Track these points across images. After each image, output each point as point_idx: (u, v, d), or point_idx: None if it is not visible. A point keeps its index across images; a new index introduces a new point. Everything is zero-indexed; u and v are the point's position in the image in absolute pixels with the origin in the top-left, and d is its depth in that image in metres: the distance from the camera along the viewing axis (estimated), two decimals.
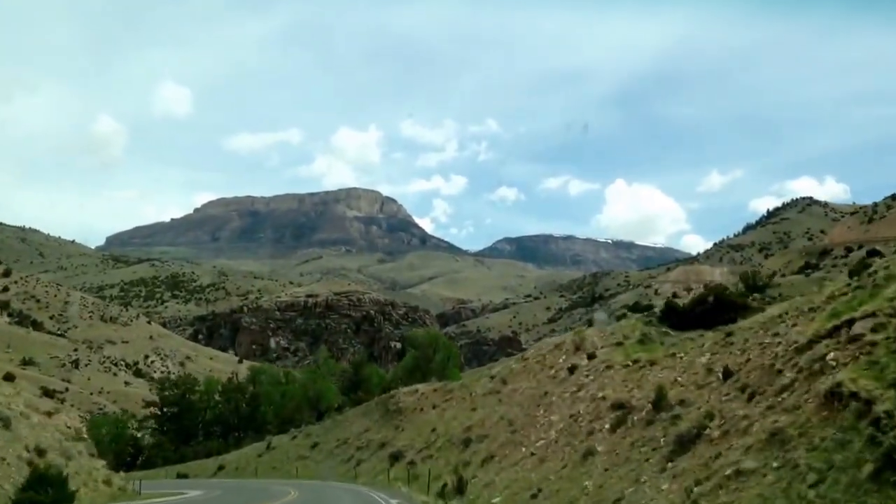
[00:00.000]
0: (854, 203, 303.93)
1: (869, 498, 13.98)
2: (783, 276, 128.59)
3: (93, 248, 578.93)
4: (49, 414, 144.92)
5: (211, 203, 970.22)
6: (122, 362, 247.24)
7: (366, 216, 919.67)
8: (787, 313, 30.37)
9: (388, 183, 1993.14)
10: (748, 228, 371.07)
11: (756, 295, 50.83)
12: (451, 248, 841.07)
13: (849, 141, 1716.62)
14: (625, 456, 27.89)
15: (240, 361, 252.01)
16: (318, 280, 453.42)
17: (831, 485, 15.23)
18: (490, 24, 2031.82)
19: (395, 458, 54.85)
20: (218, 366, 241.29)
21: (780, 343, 25.80)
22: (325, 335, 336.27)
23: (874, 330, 19.23)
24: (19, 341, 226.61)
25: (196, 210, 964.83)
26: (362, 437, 68.23)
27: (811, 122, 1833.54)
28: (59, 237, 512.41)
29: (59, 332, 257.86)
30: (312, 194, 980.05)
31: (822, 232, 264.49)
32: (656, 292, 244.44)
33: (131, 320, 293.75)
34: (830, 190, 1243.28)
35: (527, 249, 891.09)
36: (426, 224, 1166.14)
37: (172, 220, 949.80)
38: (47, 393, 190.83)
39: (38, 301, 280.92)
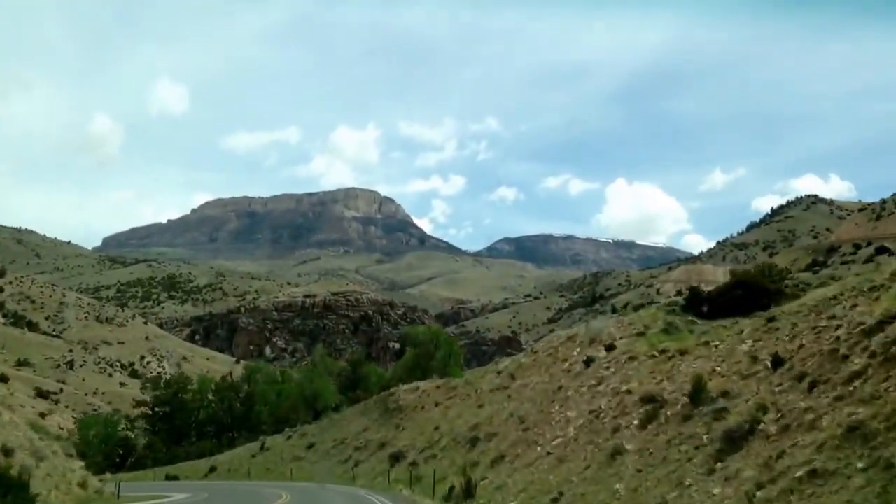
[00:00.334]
0: (860, 200, 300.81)
1: None
2: (790, 273, 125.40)
3: (89, 249, 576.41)
4: (42, 415, 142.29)
5: (208, 204, 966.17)
6: (117, 363, 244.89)
7: (364, 216, 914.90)
8: (842, 294, 27.07)
9: (387, 183, 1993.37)
10: (752, 227, 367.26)
11: (787, 282, 47.39)
12: (449, 249, 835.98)
13: (853, 138, 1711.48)
14: (661, 455, 24.49)
15: (237, 362, 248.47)
16: (316, 280, 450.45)
17: None
18: (490, 20, 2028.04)
19: (396, 458, 51.34)
20: (215, 367, 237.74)
21: (839, 326, 22.82)
22: (322, 335, 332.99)
23: None
24: (14, 342, 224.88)
25: (193, 211, 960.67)
26: (361, 437, 64.71)
27: (815, 119, 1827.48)
28: (56, 238, 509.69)
29: (54, 333, 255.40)
30: (310, 194, 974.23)
31: (827, 230, 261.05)
32: (658, 292, 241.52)
33: (127, 321, 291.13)
34: (835, 188, 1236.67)
35: (526, 249, 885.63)
36: (425, 224, 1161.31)
37: (169, 220, 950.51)
38: (41, 394, 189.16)
39: (33, 302, 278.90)
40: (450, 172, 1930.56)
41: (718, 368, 28.13)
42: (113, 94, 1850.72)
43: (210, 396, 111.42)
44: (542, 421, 37.33)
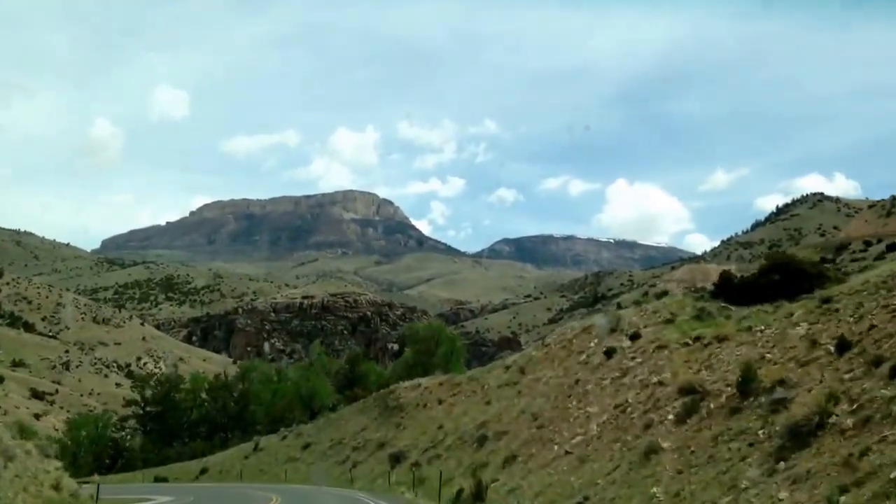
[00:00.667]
0: (867, 198, 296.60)
1: None
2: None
3: (88, 251, 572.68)
4: (37, 416, 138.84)
5: (207, 206, 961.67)
6: (114, 364, 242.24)
7: (362, 218, 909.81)
8: None
9: (386, 185, 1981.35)
10: (757, 225, 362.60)
11: (827, 265, 43.87)
12: (448, 250, 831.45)
13: (858, 136, 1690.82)
14: (705, 454, 21.29)
15: (234, 363, 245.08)
16: (314, 282, 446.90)
17: None
18: (489, 22, 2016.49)
19: (397, 459, 47.86)
20: (212, 367, 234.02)
21: None
22: (321, 337, 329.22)
23: None
24: (10, 343, 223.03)
25: (192, 213, 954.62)
26: (359, 437, 61.05)
27: (819, 117, 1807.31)
28: (54, 240, 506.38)
29: (50, 334, 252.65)
30: (308, 197, 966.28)
31: (835, 228, 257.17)
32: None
33: (124, 322, 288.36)
34: (840, 186, 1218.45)
35: (526, 250, 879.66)
36: (423, 226, 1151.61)
37: (168, 223, 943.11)
38: (37, 395, 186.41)
39: (29, 303, 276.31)
40: (448, 174, 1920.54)
41: (769, 355, 24.93)
42: (114, 98, 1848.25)
43: (203, 395, 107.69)
44: (559, 418, 34.20)
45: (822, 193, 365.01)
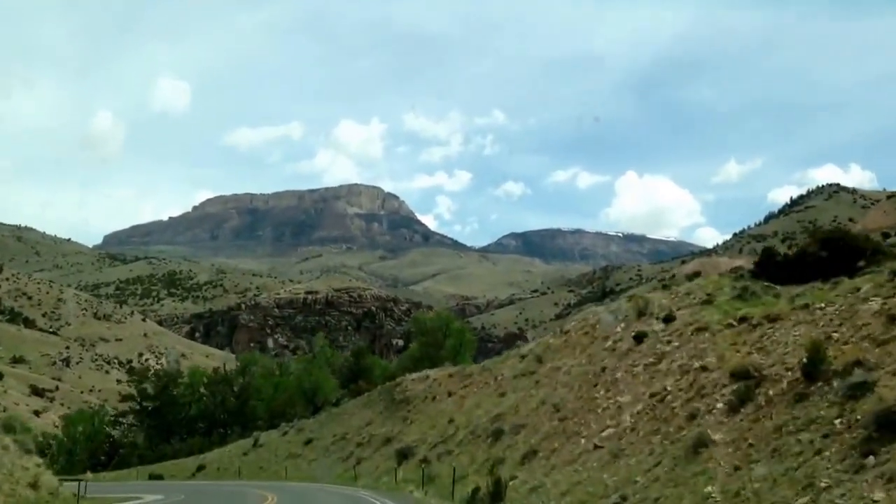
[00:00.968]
0: (885, 189, 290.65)
1: None
2: None
3: (90, 246, 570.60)
4: (37, 412, 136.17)
5: (210, 201, 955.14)
6: (115, 360, 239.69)
7: (367, 213, 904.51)
8: None
9: (391, 179, 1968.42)
10: (770, 217, 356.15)
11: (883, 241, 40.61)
12: (454, 245, 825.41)
13: (874, 126, 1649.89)
14: (769, 447, 18.23)
15: (236, 359, 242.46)
16: (318, 277, 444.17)
17: None
18: (497, 10, 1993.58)
19: (404, 455, 44.86)
20: (214, 364, 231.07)
21: None
22: (325, 332, 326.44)
23: None
24: (10, 339, 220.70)
25: (195, 208, 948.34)
26: (363, 432, 58.08)
27: (834, 107, 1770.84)
28: (55, 236, 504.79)
29: (51, 330, 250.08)
30: (312, 191, 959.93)
31: (850, 220, 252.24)
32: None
33: (125, 318, 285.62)
34: (855, 177, 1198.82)
35: (533, 244, 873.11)
36: (429, 221, 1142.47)
37: (170, 218, 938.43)
38: (36, 391, 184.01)
39: (29, 298, 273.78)
40: (455, 167, 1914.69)
41: (836, 334, 21.79)
42: (114, 91, 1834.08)
43: (202, 390, 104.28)
44: (584, 409, 31.31)
45: (838, 184, 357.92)
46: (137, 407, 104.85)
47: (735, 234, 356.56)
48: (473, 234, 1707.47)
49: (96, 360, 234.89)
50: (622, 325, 37.69)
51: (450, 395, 50.96)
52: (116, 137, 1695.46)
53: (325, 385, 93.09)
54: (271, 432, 76.77)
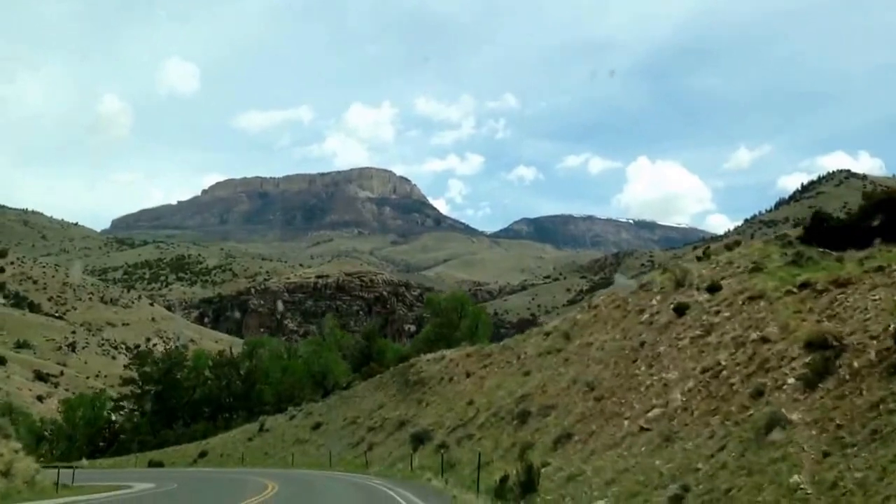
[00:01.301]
0: (894, 175, 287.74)
1: None
2: None
3: (98, 231, 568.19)
4: (40, 398, 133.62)
5: (219, 184, 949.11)
6: (122, 345, 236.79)
7: (378, 197, 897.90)
8: None
9: (402, 162, 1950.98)
10: (781, 203, 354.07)
11: None
12: (466, 230, 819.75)
13: (884, 113, 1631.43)
14: (866, 428, 15.19)
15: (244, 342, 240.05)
16: (329, 261, 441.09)
17: None
18: None
19: (420, 440, 41.81)
20: (223, 349, 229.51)
21: None
22: (336, 317, 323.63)
23: None
24: (14, 324, 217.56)
25: (204, 192, 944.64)
26: (375, 415, 55.10)
27: (844, 93, 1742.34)
28: (62, 220, 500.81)
29: (57, 315, 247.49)
30: (323, 174, 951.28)
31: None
32: None
33: (133, 302, 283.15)
34: (864, 164, 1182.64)
35: (545, 230, 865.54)
36: (441, 205, 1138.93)
37: (180, 202, 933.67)
38: (41, 376, 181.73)
39: (35, 282, 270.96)
40: (467, 151, 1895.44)
41: None
42: (122, 73, 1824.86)
43: (207, 373, 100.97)
44: (624, 387, 28.24)
45: (848, 171, 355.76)
46: (139, 391, 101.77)
47: (746, 221, 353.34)
48: (485, 218, 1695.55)
49: (103, 344, 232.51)
50: (658, 297, 34.45)
51: (468, 375, 47.93)
52: (124, 121, 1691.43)
53: (335, 368, 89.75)
54: (278, 417, 73.99)
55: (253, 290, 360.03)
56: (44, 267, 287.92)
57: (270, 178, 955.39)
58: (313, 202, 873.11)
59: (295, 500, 25.27)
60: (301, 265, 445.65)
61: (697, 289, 31.64)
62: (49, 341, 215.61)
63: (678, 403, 23.16)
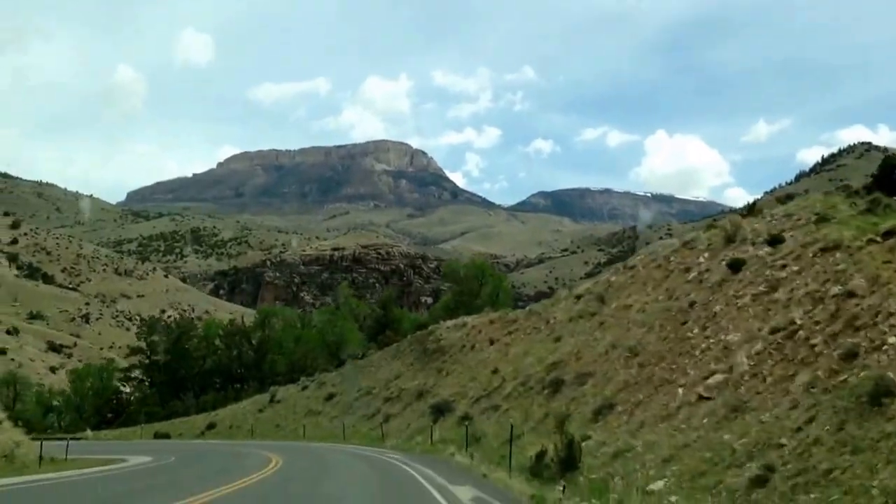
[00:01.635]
0: None
1: None
2: None
3: (113, 203, 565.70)
4: (53, 369, 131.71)
5: (235, 157, 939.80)
6: (136, 317, 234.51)
7: (395, 170, 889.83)
8: None
9: (419, 135, 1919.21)
10: (801, 176, 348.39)
11: None
12: (483, 203, 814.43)
13: None
14: None
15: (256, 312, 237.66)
16: (345, 234, 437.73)
17: None
18: None
19: (440, 411, 38.82)
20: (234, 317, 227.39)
21: None
22: (352, 290, 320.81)
23: None
24: (28, 295, 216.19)
25: (219, 164, 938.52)
26: (392, 385, 52.11)
27: (865, 65, 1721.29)
28: (77, 192, 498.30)
29: (70, 286, 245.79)
30: (339, 147, 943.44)
31: None
32: None
33: (147, 274, 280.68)
34: (884, 137, 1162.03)
35: (562, 203, 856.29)
36: (458, 178, 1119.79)
37: (195, 175, 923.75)
38: (54, 348, 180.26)
39: (48, 253, 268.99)
40: (484, 124, 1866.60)
41: None
42: (136, 44, 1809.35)
43: (217, 343, 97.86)
44: (674, 351, 25.15)
45: (869, 143, 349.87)
46: (147, 361, 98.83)
47: (766, 193, 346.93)
48: (502, 192, 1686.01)
49: (117, 316, 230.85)
50: (706, 254, 31.12)
51: (492, 342, 44.81)
52: (139, 92, 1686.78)
53: (351, 337, 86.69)
54: (290, 387, 71.11)
55: (268, 263, 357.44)
56: (57, 238, 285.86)
57: (286, 150, 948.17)
58: (329, 175, 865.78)
59: (298, 479, 22.04)
60: (317, 237, 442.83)
61: (753, 243, 28.40)
62: (62, 312, 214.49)
63: (745, 368, 19.93)
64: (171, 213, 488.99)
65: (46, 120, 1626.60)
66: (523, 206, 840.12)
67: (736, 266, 26.74)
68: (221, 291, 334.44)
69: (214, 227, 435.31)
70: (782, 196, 37.22)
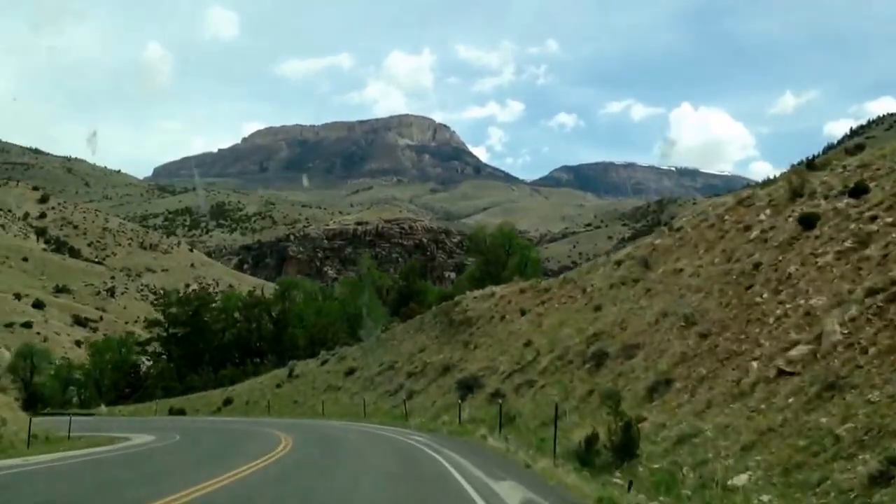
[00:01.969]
0: None
1: None
2: None
3: (140, 178, 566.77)
4: (78, 342, 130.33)
5: (259, 132, 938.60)
6: (160, 291, 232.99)
7: (418, 144, 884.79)
8: None
9: (442, 110, 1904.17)
10: (829, 149, 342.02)
11: None
12: (506, 178, 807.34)
13: None
14: None
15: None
16: (369, 208, 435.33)
17: None
18: None
19: (468, 387, 35.61)
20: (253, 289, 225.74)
21: None
22: (375, 264, 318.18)
23: None
24: (54, 268, 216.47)
25: (244, 140, 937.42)
26: (416, 359, 49.01)
27: (892, 38, 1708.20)
28: (105, 167, 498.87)
29: (96, 260, 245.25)
30: (362, 122, 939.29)
31: None
32: None
33: (172, 248, 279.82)
34: None
35: (586, 178, 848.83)
36: (481, 153, 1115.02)
37: (220, 150, 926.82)
38: (79, 321, 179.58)
39: (75, 227, 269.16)
40: (507, 98, 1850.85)
41: None
42: (164, 21, 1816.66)
43: (236, 315, 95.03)
44: (740, 319, 21.80)
45: None
46: (165, 333, 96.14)
47: (792, 166, 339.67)
48: (525, 166, 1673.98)
49: (142, 290, 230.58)
50: (767, 211, 27.61)
51: (523, 313, 41.59)
52: (167, 69, 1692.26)
53: (373, 310, 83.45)
54: (309, 362, 68.25)
55: (292, 237, 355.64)
56: (84, 212, 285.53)
57: (310, 125, 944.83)
58: (353, 150, 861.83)
59: (303, 469, 18.85)
60: (340, 212, 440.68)
61: (825, 197, 24.81)
62: (88, 286, 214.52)
63: (837, 338, 16.48)
64: (196, 187, 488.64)
65: (76, 96, 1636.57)
66: (546, 181, 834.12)
67: (809, 221, 23.28)
68: (245, 266, 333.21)
69: (239, 201, 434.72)
70: (851, 147, 33.44)
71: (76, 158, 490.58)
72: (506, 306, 44.92)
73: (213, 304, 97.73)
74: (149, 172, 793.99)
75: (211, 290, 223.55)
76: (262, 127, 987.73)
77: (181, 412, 65.19)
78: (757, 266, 23.50)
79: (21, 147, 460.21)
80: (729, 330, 21.18)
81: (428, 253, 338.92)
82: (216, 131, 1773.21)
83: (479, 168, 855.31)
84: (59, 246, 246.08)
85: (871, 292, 16.99)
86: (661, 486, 14.21)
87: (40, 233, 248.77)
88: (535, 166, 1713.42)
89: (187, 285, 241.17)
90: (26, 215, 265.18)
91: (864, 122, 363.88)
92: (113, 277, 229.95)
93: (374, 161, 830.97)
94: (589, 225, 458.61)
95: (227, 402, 66.60)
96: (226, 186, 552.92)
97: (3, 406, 30.62)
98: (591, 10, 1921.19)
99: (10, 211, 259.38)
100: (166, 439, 31.64)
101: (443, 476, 17.01)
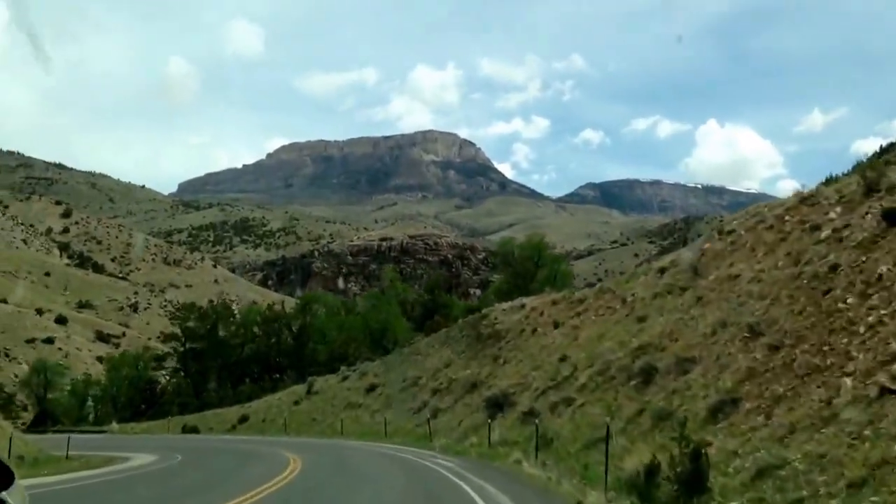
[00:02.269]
0: None
1: None
2: None
3: (165, 194, 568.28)
4: (100, 359, 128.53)
5: (283, 148, 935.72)
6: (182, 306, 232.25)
7: (443, 160, 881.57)
8: None
9: (467, 125, 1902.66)
10: (858, 167, 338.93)
11: None
12: (531, 194, 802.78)
13: None
14: None
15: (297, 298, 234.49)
16: (393, 224, 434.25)
17: None
18: None
19: (498, 405, 32.85)
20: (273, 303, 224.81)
21: None
22: (399, 281, 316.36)
23: None
24: (77, 283, 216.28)
25: (269, 155, 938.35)
26: (441, 375, 46.26)
27: None
28: (129, 182, 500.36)
29: (120, 275, 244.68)
30: (387, 137, 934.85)
31: None
32: None
33: (196, 263, 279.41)
34: None
35: (611, 195, 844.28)
36: (506, 169, 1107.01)
37: (244, 165, 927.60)
38: (102, 337, 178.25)
39: (99, 242, 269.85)
40: (532, 114, 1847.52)
41: None
42: (187, 36, 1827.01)
43: (255, 330, 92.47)
44: (820, 328, 18.46)
45: None
46: (182, 348, 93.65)
47: (820, 185, 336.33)
48: (551, 183, 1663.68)
49: (165, 305, 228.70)
50: (838, 208, 24.55)
51: (556, 325, 38.64)
52: (190, 84, 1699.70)
53: (396, 324, 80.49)
54: (329, 378, 65.36)
55: (316, 253, 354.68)
56: (108, 228, 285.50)
57: (334, 141, 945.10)
58: (377, 165, 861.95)
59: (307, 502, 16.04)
60: (365, 228, 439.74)
61: None
62: (111, 301, 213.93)
63: None
64: (221, 203, 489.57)
65: (100, 111, 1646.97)
66: (571, 198, 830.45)
67: (892, 216, 20.30)
68: (270, 281, 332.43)
69: (263, 217, 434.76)
70: None
71: (100, 173, 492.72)
72: (537, 318, 42.04)
73: (232, 319, 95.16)
74: (174, 188, 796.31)
75: (234, 305, 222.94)
76: (286, 142, 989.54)
77: (194, 430, 62.85)
78: (834, 268, 20.42)
79: (44, 162, 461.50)
80: (806, 341, 18.13)
81: (453, 269, 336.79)
82: (241, 146, 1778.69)
83: (504, 184, 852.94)
84: (83, 261, 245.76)
85: None
86: None
87: (63, 248, 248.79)
88: (560, 183, 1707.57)
89: (210, 301, 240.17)
90: (49, 230, 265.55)
91: (894, 139, 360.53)
92: (136, 293, 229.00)
93: (398, 177, 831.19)
94: (615, 242, 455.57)
95: (243, 419, 64.04)
96: (250, 202, 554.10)
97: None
98: (618, 25, 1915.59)
99: (32, 226, 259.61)
100: (167, 460, 29.25)
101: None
